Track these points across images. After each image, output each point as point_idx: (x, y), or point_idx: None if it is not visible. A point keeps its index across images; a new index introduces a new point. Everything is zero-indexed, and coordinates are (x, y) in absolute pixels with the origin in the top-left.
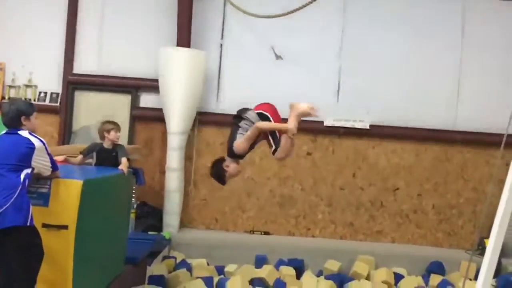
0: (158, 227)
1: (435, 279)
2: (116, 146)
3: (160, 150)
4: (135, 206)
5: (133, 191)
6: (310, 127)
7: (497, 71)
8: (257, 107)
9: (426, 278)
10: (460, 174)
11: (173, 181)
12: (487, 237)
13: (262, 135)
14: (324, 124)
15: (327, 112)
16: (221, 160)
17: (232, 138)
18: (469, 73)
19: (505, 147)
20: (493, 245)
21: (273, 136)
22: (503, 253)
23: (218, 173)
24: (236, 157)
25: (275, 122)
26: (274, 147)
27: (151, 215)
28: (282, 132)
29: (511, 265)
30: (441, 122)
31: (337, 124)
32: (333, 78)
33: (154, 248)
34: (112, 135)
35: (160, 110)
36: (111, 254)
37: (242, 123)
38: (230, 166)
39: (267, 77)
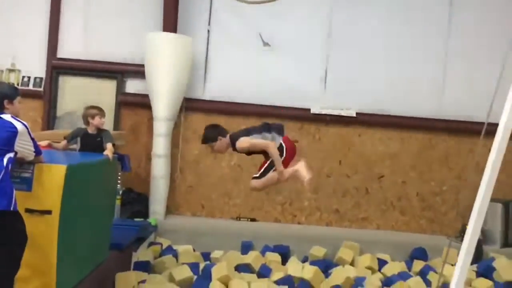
0: (144, 214)
1: (418, 264)
2: (100, 131)
3: (146, 136)
4: (120, 192)
5: (119, 177)
6: (297, 115)
7: (483, 60)
8: (286, 138)
9: (409, 263)
10: (444, 162)
11: (160, 167)
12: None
13: (264, 155)
14: (311, 112)
15: (314, 100)
16: (217, 128)
17: (246, 132)
18: (455, 61)
19: (487, 135)
20: (471, 230)
21: (269, 166)
22: (485, 240)
23: (209, 136)
24: (232, 144)
25: (285, 159)
26: (258, 174)
27: (137, 201)
28: (276, 168)
29: (492, 251)
30: (426, 110)
31: (324, 111)
32: (321, 66)
33: (139, 234)
34: (97, 120)
35: (146, 96)
36: (95, 239)
37: (264, 133)
38: (223, 142)
39: (254, 64)
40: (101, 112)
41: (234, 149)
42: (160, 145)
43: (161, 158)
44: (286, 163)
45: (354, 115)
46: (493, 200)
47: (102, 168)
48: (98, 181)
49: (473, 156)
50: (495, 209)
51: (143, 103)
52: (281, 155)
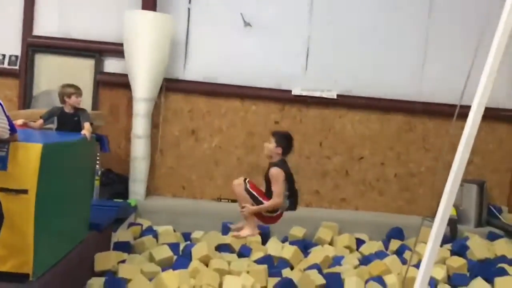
0: (124, 195)
1: (395, 244)
2: (78, 110)
3: (126, 117)
4: (99, 173)
5: (97, 158)
6: (279, 96)
7: (462, 44)
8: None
9: (386, 243)
10: (421, 144)
11: (139, 148)
12: None
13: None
14: (292, 93)
15: (295, 81)
16: (287, 140)
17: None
18: (435, 45)
19: (463, 118)
20: (442, 210)
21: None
22: (460, 220)
23: (278, 139)
24: (274, 164)
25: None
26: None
27: (117, 182)
28: (254, 208)
29: (467, 231)
30: (406, 92)
31: (305, 93)
32: (302, 47)
33: (119, 215)
34: (73, 100)
35: (125, 75)
36: (74, 219)
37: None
38: (275, 151)
39: (235, 44)
40: (77, 91)
41: (269, 167)
42: (140, 125)
43: (141, 139)
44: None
45: (335, 97)
46: (468, 181)
47: (80, 147)
48: (75, 160)
49: (450, 138)
50: (470, 190)
51: (122, 83)
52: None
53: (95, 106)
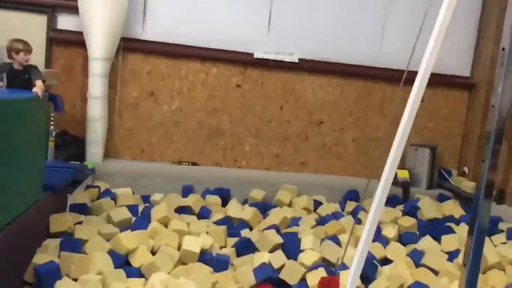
0: (81, 157)
1: (351, 205)
2: (28, 67)
3: (81, 76)
4: (54, 134)
5: (52, 119)
6: (240, 59)
7: (421, 11)
8: None
9: (342, 204)
10: (379, 109)
11: (96, 109)
12: (399, 168)
13: None
14: (254, 56)
15: (257, 44)
16: None
17: None
18: (395, 12)
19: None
20: (387, 173)
21: None
22: (413, 182)
23: None
24: None
25: None
26: None
27: (73, 144)
28: None
29: (418, 193)
30: (365, 58)
31: (266, 56)
32: (264, 10)
33: (75, 177)
34: (21, 56)
35: (80, 33)
36: (25, 180)
37: None
38: None
39: (197, 5)
40: (26, 47)
41: None
42: (96, 86)
43: (97, 100)
44: None
45: (297, 61)
46: (422, 146)
47: (30, 105)
48: (25, 119)
49: (404, 104)
50: (423, 154)
51: (77, 41)
52: None
53: (48, 65)
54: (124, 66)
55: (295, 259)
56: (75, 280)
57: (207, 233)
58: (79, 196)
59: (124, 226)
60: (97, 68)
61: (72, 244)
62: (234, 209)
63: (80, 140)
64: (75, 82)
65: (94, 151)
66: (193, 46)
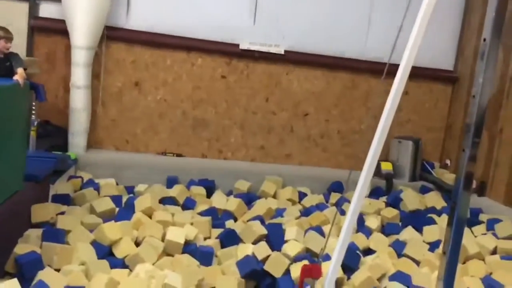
0: (63, 148)
1: (335, 196)
2: (9, 55)
3: (64, 66)
4: (35, 123)
5: (33, 108)
6: (226, 50)
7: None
8: None
9: (327, 196)
10: (364, 102)
11: (79, 99)
12: (383, 160)
13: None
14: (240, 47)
15: (243, 35)
16: None
17: None
18: (381, 5)
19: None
20: (369, 163)
21: None
22: (396, 175)
23: None
24: None
25: None
26: None
27: (55, 135)
28: None
29: (401, 185)
30: (351, 51)
31: (252, 48)
32: (251, 0)
33: (58, 167)
34: (1, 44)
35: (63, 21)
36: (6, 170)
37: None
38: None
39: None
40: (7, 35)
41: None
42: (79, 75)
43: (80, 90)
44: None
45: (283, 52)
46: (405, 138)
47: (11, 93)
48: (6, 107)
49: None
50: (406, 147)
51: (59, 29)
52: None
53: (29, 53)
54: (108, 55)
55: (279, 250)
56: (58, 270)
57: (192, 224)
58: (61, 186)
59: (107, 216)
60: (80, 57)
61: (54, 234)
62: (219, 200)
63: (62, 130)
64: (57, 71)
65: (77, 141)
66: (179, 36)
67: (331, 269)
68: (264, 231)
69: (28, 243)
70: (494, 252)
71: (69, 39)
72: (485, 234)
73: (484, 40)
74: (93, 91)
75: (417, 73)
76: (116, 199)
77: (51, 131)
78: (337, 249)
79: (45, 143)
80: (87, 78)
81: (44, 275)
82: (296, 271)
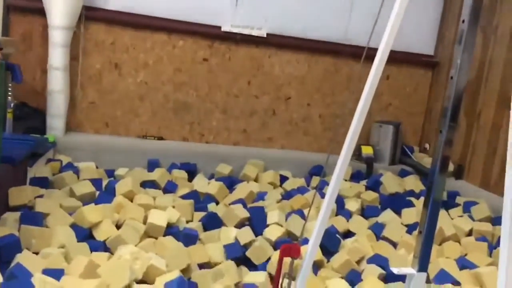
0: (41, 130)
1: (316, 180)
2: None
3: (41, 46)
4: (12, 105)
5: (9, 89)
6: (207, 32)
7: None
8: None
9: (308, 179)
10: (346, 86)
11: (57, 81)
12: (363, 144)
13: None
14: (222, 30)
15: (225, 17)
16: None
17: None
18: None
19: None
20: (347, 147)
21: None
22: (376, 158)
23: None
24: None
25: None
26: None
27: (33, 117)
28: None
29: (382, 168)
30: (333, 34)
31: (234, 30)
32: None
33: (35, 149)
34: None
35: (40, 0)
36: None
37: None
38: None
39: None
40: None
41: None
42: (57, 56)
43: (58, 71)
44: None
45: (265, 35)
46: (386, 123)
47: None
48: None
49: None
50: (387, 131)
51: (36, 8)
52: None
53: (5, 33)
54: (87, 36)
55: (261, 233)
56: (36, 253)
57: (173, 207)
58: (39, 169)
59: (87, 200)
60: (58, 38)
61: (32, 217)
62: (201, 184)
63: (40, 112)
64: (34, 52)
65: (55, 124)
66: (159, 17)
67: (309, 251)
68: (246, 214)
69: (6, 226)
70: (469, 233)
71: (46, 18)
72: (461, 216)
73: (463, 21)
74: (72, 72)
75: (398, 58)
76: (96, 183)
77: (28, 113)
78: (315, 231)
79: (22, 125)
80: (65, 60)
81: (22, 258)
82: (276, 258)
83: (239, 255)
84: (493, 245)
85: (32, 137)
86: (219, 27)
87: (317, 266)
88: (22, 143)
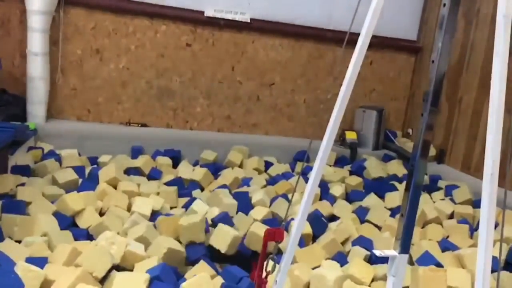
0: (22, 117)
1: (300, 165)
2: None
3: (20, 31)
4: None
5: None
6: (190, 17)
7: None
8: None
9: (293, 165)
10: (330, 72)
11: (37, 67)
12: (347, 129)
13: None
14: (205, 15)
15: (208, 2)
16: None
17: None
18: None
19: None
20: (329, 132)
21: None
22: (360, 143)
23: None
24: None
25: None
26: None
27: (12, 104)
28: None
29: (365, 153)
30: (317, 20)
31: (218, 15)
32: None
33: (16, 137)
34: None
35: None
36: None
37: None
38: None
39: None
40: None
41: None
42: (36, 42)
43: (38, 57)
44: None
45: (249, 20)
46: (369, 108)
47: None
48: None
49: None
50: (370, 116)
51: None
52: None
53: None
54: (66, 21)
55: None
56: (19, 242)
57: (158, 194)
58: (21, 157)
59: (70, 188)
60: (36, 22)
61: (14, 205)
62: (185, 170)
63: (20, 99)
64: (13, 37)
65: (36, 111)
66: (141, 1)
67: (295, 229)
68: (231, 200)
69: None
70: (451, 216)
71: (24, 3)
72: (443, 199)
73: (444, 5)
74: (52, 58)
75: (381, 43)
76: (79, 170)
77: (8, 100)
78: (299, 213)
79: (2, 113)
80: (44, 45)
81: (4, 246)
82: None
83: None
84: (474, 227)
85: (12, 125)
86: (202, 12)
87: (304, 244)
88: (2, 130)
